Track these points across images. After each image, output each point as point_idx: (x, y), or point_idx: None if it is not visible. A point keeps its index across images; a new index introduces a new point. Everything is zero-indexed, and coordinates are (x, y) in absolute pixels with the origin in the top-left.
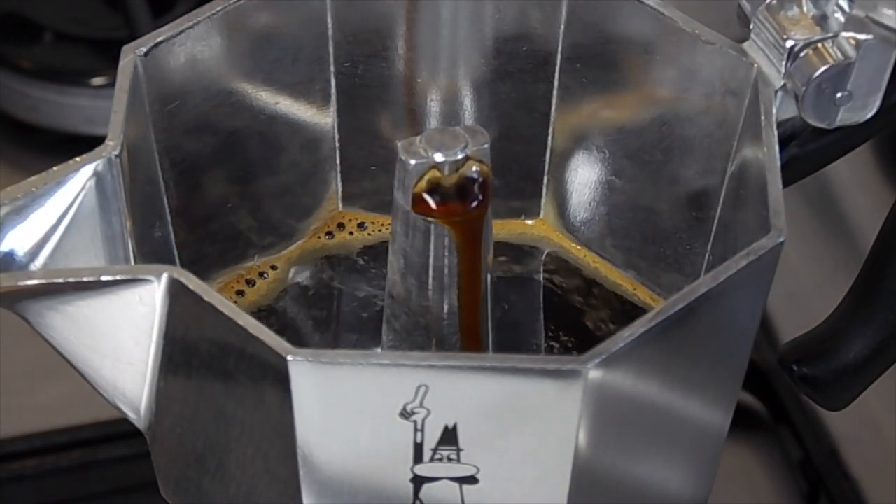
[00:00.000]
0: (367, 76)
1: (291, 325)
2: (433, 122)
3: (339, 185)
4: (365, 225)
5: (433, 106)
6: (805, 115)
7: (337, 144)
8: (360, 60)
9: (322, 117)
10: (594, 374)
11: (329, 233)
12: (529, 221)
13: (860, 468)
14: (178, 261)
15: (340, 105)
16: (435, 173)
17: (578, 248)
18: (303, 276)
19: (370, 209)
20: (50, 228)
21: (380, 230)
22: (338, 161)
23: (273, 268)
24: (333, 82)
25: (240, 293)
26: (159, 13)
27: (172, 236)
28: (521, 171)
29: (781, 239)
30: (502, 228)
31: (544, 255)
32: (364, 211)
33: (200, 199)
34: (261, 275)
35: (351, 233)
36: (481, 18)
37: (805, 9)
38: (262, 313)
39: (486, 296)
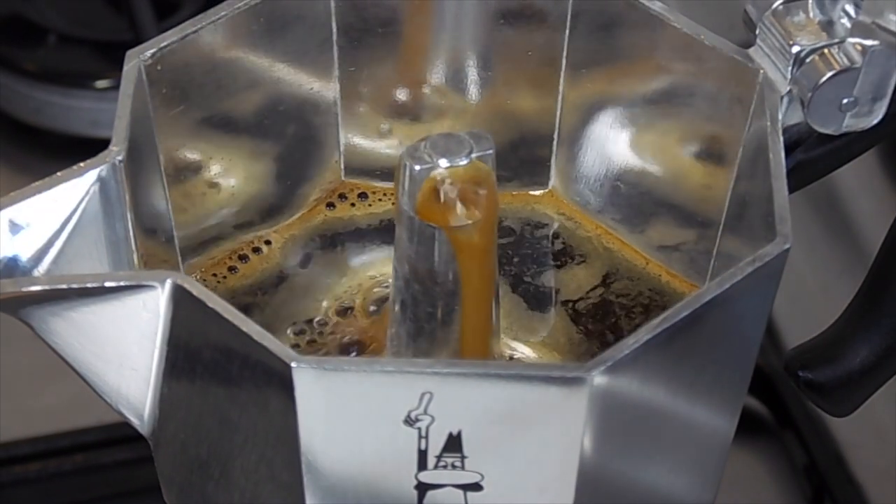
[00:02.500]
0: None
1: (286, 305)
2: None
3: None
4: (367, 195)
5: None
6: (811, 121)
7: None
8: (364, 61)
9: (325, 96)
10: (599, 381)
11: (330, 204)
12: (538, 193)
13: (865, 473)
14: (180, 259)
15: (343, 84)
16: (440, 178)
17: (588, 219)
18: (302, 249)
19: (373, 179)
20: (54, 234)
21: (380, 199)
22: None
23: (267, 242)
24: (336, 77)
25: (232, 269)
26: (164, 16)
27: (176, 238)
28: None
29: (787, 245)
30: (512, 200)
31: (553, 226)
32: (367, 180)
33: (202, 196)
34: (255, 250)
35: (353, 204)
36: None
37: (811, 14)
38: (254, 291)
39: (493, 298)
